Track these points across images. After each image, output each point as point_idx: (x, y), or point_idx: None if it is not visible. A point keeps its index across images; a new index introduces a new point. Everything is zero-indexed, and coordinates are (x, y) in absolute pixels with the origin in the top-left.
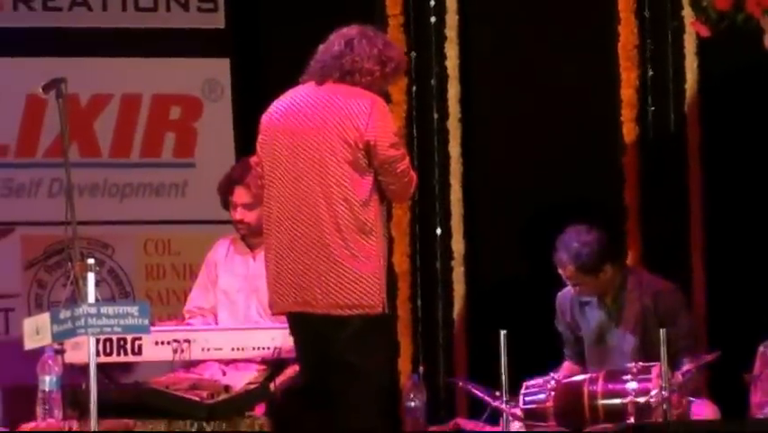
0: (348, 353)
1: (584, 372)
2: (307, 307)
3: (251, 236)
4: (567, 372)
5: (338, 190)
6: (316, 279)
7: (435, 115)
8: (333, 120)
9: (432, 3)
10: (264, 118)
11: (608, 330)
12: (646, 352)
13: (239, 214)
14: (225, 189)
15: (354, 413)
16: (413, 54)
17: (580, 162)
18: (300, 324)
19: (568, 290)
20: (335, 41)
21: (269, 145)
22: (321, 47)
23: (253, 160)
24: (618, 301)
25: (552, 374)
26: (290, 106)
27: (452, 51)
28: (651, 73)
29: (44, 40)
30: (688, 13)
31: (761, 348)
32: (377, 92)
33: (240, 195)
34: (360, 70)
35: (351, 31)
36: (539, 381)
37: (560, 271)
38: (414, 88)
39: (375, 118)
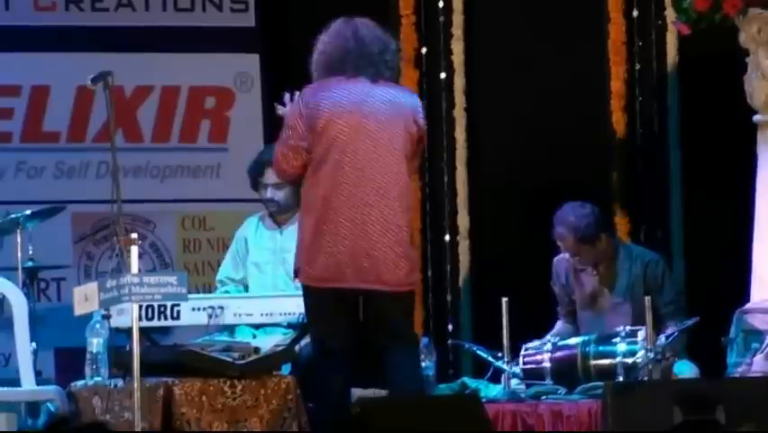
0: (398, 323)
1: (575, 331)
2: (377, 284)
3: (278, 214)
4: (560, 331)
5: (398, 177)
6: (389, 258)
7: (443, 105)
8: (402, 115)
9: (440, 4)
10: (317, 107)
11: (600, 295)
12: (635, 317)
13: (269, 193)
14: (256, 171)
15: (410, 377)
16: (423, 50)
17: (573, 147)
18: (343, 296)
19: (564, 256)
20: (372, 41)
21: (332, 130)
22: (353, 43)
23: (296, 144)
24: (611, 270)
25: (548, 337)
26: (354, 101)
27: (458, 48)
28: (638, 67)
29: (92, 37)
30: (670, 13)
31: (737, 314)
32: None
33: (269, 176)
34: (395, 67)
35: (377, 30)
36: (537, 343)
37: (559, 243)
38: (425, 81)
39: (422, 113)
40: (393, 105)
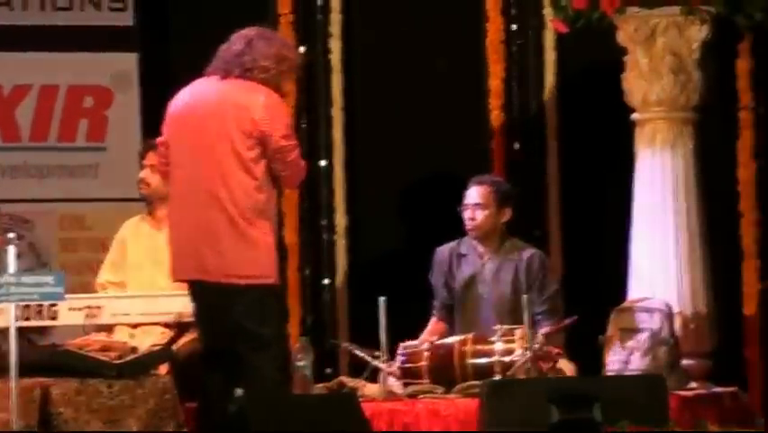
0: (245, 320)
1: (449, 330)
2: (206, 275)
3: (153, 204)
4: (433, 328)
5: (234, 175)
6: (216, 251)
7: (321, 104)
8: (232, 111)
9: (318, 2)
10: (170, 106)
11: (480, 281)
12: (513, 313)
13: (144, 173)
14: (143, 153)
15: (255, 377)
16: (302, 48)
17: (452, 146)
18: (200, 292)
19: (447, 245)
20: (236, 41)
21: (174, 131)
22: (223, 46)
23: (158, 140)
24: (495, 257)
25: (425, 336)
26: (194, 97)
27: (336, 46)
28: (515, 66)
29: None
30: (548, 11)
31: (613, 312)
32: (273, 88)
33: (150, 157)
34: (258, 67)
35: (250, 31)
36: (415, 342)
37: (471, 192)
38: (303, 80)
39: (269, 111)
40: (227, 100)
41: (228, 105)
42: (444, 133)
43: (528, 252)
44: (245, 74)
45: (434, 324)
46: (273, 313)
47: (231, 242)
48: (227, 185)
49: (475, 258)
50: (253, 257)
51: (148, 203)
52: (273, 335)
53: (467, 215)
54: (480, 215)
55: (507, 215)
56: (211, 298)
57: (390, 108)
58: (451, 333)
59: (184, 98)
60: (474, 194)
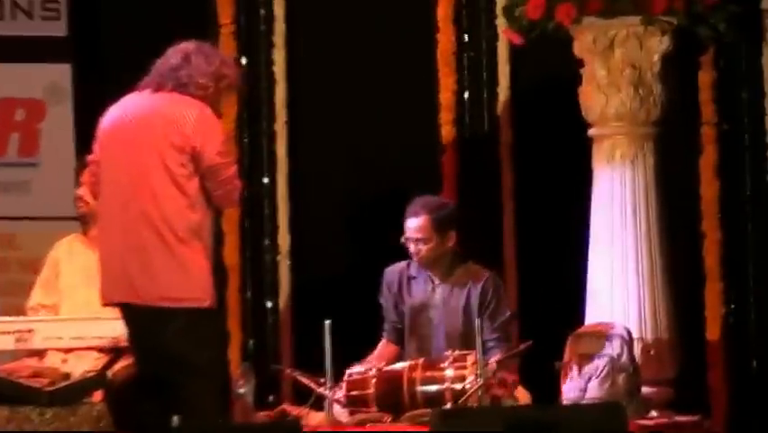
0: (177, 345)
1: (400, 353)
2: (135, 298)
3: (88, 223)
4: (383, 351)
5: (166, 192)
6: (146, 272)
7: (264, 118)
8: (163, 125)
9: (262, 12)
10: (102, 121)
11: (431, 306)
12: (466, 337)
13: (81, 190)
14: (79, 169)
15: (190, 405)
16: (243, 60)
17: (401, 162)
18: (131, 316)
19: (397, 266)
20: (173, 55)
21: (104, 147)
22: (159, 60)
23: (90, 158)
24: (446, 281)
25: (373, 361)
26: (125, 111)
27: (279, 57)
28: (467, 78)
29: None
30: (501, 21)
31: (570, 337)
32: (209, 105)
33: (86, 175)
34: (194, 84)
35: (188, 46)
36: (361, 368)
37: (409, 225)
38: (244, 93)
39: (202, 126)
40: (157, 113)
41: (159, 118)
42: (393, 148)
43: (481, 276)
44: (180, 88)
45: (383, 346)
46: (208, 337)
47: (162, 262)
48: (158, 203)
49: (425, 282)
50: (186, 279)
51: (83, 222)
52: (209, 360)
53: (410, 247)
54: (423, 247)
55: (451, 239)
56: (143, 321)
57: (337, 122)
58: (402, 357)
59: (115, 113)
60: (412, 227)
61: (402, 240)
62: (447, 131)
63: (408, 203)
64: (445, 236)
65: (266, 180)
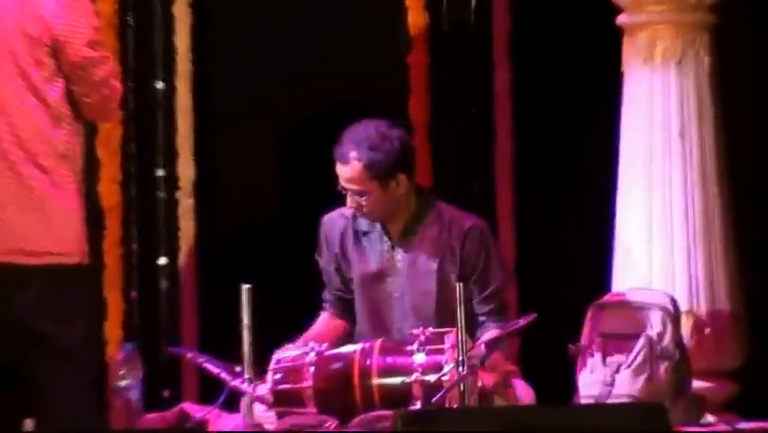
0: (34, 318)
1: (349, 330)
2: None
3: None
4: (324, 328)
5: (17, 102)
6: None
7: None
8: (12, 9)
9: None
10: None
11: (390, 273)
12: (440, 312)
13: None
14: None
15: (50, 403)
16: None
17: (353, 62)
18: None
19: (339, 213)
20: None
21: None
22: None
23: None
24: (410, 236)
25: (311, 344)
26: None
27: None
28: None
29: None
30: None
31: (591, 309)
32: None
33: None
34: None
35: None
36: (295, 352)
37: (340, 173)
38: None
39: (67, 7)
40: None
41: (10, 3)
42: (342, 41)
43: (463, 225)
44: None
45: (325, 322)
46: (77, 307)
47: (13, 202)
48: (8, 118)
49: (381, 240)
50: (47, 226)
51: None
52: (78, 340)
53: (348, 201)
54: (364, 200)
55: (401, 184)
56: None
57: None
58: (352, 337)
59: None
60: (342, 176)
61: (339, 187)
62: (416, 17)
63: (343, 130)
64: (389, 183)
65: (160, 85)
